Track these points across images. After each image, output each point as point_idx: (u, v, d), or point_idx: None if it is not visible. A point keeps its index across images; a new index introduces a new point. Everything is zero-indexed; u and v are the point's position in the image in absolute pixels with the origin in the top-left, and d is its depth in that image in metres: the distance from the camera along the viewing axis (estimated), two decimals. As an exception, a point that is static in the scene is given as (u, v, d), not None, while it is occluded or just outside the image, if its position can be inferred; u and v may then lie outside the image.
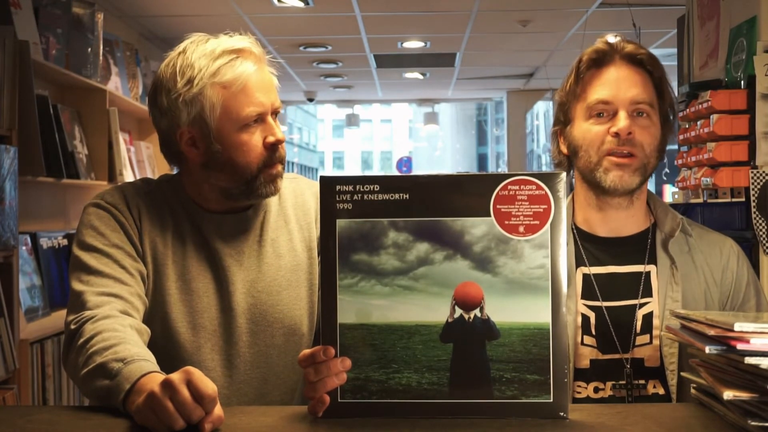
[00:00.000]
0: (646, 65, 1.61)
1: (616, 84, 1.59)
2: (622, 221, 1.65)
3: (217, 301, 1.57)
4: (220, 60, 1.51)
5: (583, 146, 1.60)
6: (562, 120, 1.66)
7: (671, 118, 1.65)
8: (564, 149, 1.66)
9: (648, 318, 1.60)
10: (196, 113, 1.52)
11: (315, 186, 1.72)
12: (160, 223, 1.58)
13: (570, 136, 1.64)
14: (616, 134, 1.56)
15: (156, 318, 1.55)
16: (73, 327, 1.40)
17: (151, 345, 1.49)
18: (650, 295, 1.61)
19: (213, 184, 1.58)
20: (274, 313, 1.59)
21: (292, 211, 1.67)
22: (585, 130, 1.60)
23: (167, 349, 1.54)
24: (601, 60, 1.61)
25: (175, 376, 1.14)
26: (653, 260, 1.63)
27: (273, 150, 1.55)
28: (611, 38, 1.65)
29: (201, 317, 1.56)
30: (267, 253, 1.61)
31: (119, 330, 1.36)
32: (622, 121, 1.56)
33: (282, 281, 1.61)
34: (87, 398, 1.36)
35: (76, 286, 1.47)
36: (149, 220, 1.57)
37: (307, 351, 1.24)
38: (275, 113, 1.57)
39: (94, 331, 1.35)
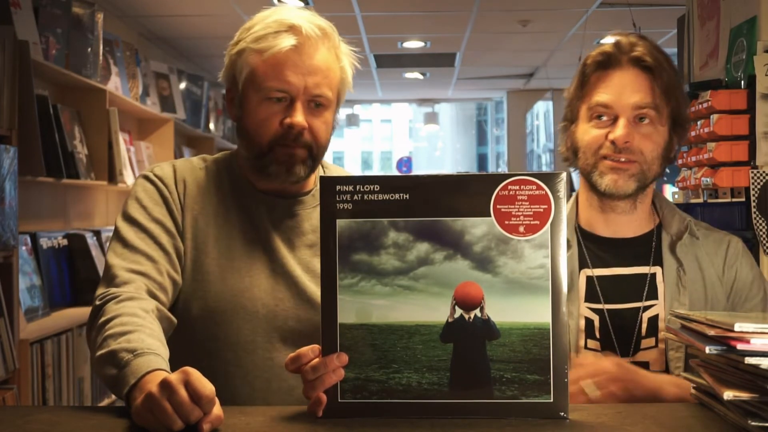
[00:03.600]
0: (653, 66, 1.56)
1: (620, 88, 1.56)
2: (625, 224, 1.64)
3: (264, 282, 1.54)
4: (270, 29, 1.51)
5: (582, 147, 1.60)
6: (569, 117, 1.65)
7: (683, 120, 1.61)
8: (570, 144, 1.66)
9: (653, 321, 1.58)
10: (233, 73, 1.55)
11: None
12: (206, 199, 1.57)
13: (573, 136, 1.63)
14: (613, 142, 1.55)
15: (197, 297, 1.52)
16: (98, 303, 1.41)
17: (191, 325, 1.51)
18: (656, 297, 1.59)
19: (242, 152, 1.60)
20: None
21: None
22: (584, 131, 1.59)
23: (207, 328, 1.52)
24: (606, 62, 1.59)
25: (173, 377, 1.14)
26: (659, 262, 1.61)
27: (289, 131, 1.51)
28: (621, 38, 1.61)
29: (242, 297, 1.53)
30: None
31: (140, 315, 1.35)
32: (620, 128, 1.54)
33: None
34: (99, 379, 1.37)
35: (111, 258, 1.48)
36: (193, 196, 1.57)
37: (292, 354, 1.24)
38: (314, 100, 1.52)
39: (115, 312, 1.35)
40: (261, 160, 1.54)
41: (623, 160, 1.55)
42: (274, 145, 1.52)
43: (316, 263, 1.56)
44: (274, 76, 1.50)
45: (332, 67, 1.54)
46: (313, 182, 1.63)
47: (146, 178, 1.58)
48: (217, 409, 1.16)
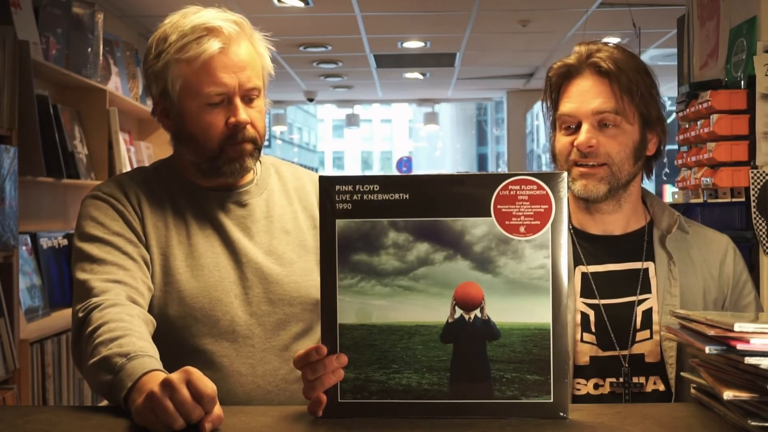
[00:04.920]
0: (612, 74, 1.60)
1: (580, 96, 1.61)
2: (613, 223, 1.67)
3: (231, 273, 1.58)
4: (189, 36, 1.52)
5: (557, 155, 1.66)
6: (551, 126, 1.71)
7: (658, 115, 1.64)
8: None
9: (648, 314, 1.61)
10: (162, 87, 1.56)
11: (311, 175, 1.77)
12: (160, 206, 1.60)
13: (552, 144, 1.69)
14: (578, 147, 1.60)
15: (172, 298, 1.55)
16: (80, 315, 1.41)
17: (171, 325, 1.53)
18: (649, 291, 1.63)
19: (185, 157, 1.62)
20: (290, 283, 1.60)
21: (295, 194, 1.70)
22: (558, 140, 1.65)
23: (187, 326, 1.55)
24: (567, 73, 1.65)
25: (175, 376, 1.15)
26: (651, 257, 1.65)
27: (236, 130, 1.55)
28: (582, 47, 1.67)
29: (215, 291, 1.56)
30: (275, 228, 1.64)
31: (126, 320, 1.36)
32: (582, 134, 1.60)
33: (293, 255, 1.63)
34: (92, 389, 1.37)
35: (80, 275, 1.48)
36: (149, 204, 1.59)
37: (301, 351, 1.25)
38: (247, 94, 1.56)
39: (101, 320, 1.35)
40: (213, 163, 1.58)
41: (591, 164, 1.60)
42: (224, 146, 1.56)
43: (276, 245, 1.62)
44: (209, 81, 1.52)
45: (254, 57, 1.59)
46: (254, 172, 1.68)
47: (95, 197, 1.58)
48: (218, 409, 1.16)
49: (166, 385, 1.13)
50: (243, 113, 1.55)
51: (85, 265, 1.49)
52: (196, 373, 1.15)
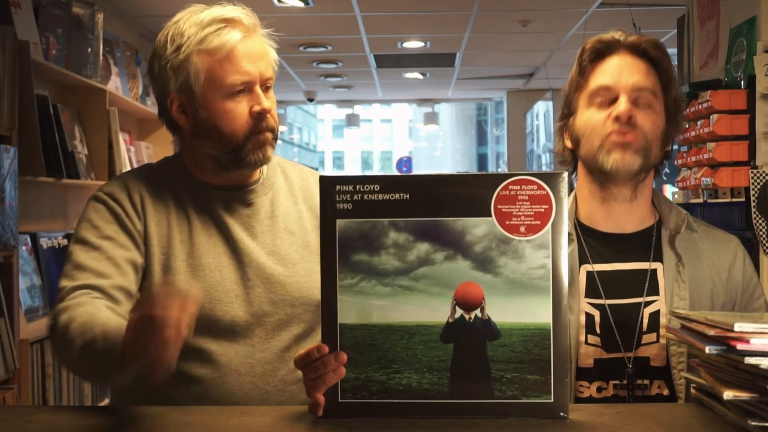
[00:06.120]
0: (650, 53, 1.59)
1: (618, 71, 1.58)
2: (626, 215, 1.63)
3: (233, 273, 1.58)
4: (209, 28, 1.54)
5: (586, 133, 1.59)
6: (566, 113, 1.65)
7: (677, 114, 1.63)
8: (568, 143, 1.65)
9: (655, 316, 1.58)
10: (183, 80, 1.55)
11: (316, 175, 1.76)
12: (163, 204, 1.60)
13: (573, 127, 1.63)
14: (617, 118, 1.55)
15: None
16: (50, 323, 1.43)
17: None
18: (657, 293, 1.59)
19: (204, 153, 1.61)
20: (292, 284, 1.60)
21: (300, 194, 1.70)
22: (587, 117, 1.59)
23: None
24: (603, 50, 1.61)
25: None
26: (659, 257, 1.61)
27: (259, 119, 1.56)
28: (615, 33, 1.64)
29: (216, 291, 1.56)
30: (279, 228, 1.63)
31: (90, 311, 1.37)
32: (622, 104, 1.55)
33: (296, 255, 1.62)
34: (85, 381, 1.38)
35: (61, 281, 1.50)
36: (152, 203, 1.59)
37: (302, 351, 1.25)
38: (265, 83, 1.58)
39: (69, 319, 1.37)
40: (237, 154, 1.57)
41: (627, 136, 1.56)
42: (249, 136, 1.56)
43: (279, 245, 1.62)
44: (234, 70, 1.53)
45: (267, 48, 1.61)
46: (260, 171, 1.68)
47: (96, 198, 1.59)
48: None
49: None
50: (265, 101, 1.56)
51: (69, 270, 1.51)
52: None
